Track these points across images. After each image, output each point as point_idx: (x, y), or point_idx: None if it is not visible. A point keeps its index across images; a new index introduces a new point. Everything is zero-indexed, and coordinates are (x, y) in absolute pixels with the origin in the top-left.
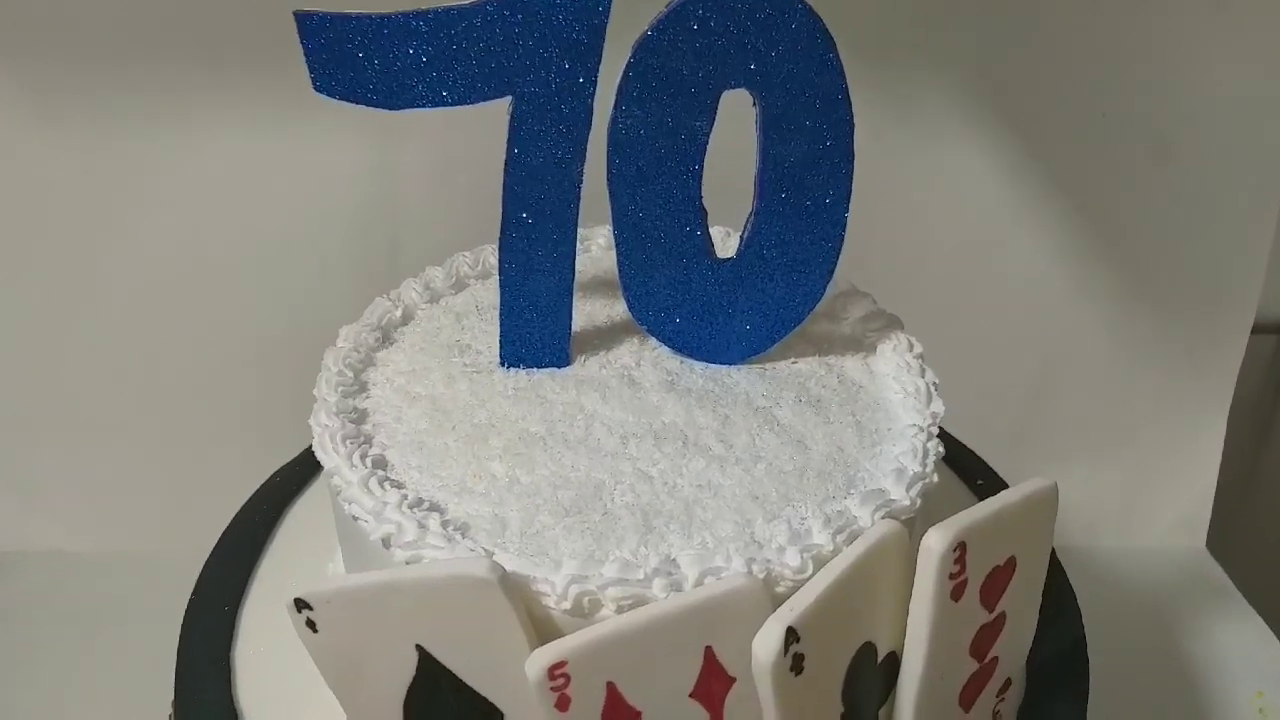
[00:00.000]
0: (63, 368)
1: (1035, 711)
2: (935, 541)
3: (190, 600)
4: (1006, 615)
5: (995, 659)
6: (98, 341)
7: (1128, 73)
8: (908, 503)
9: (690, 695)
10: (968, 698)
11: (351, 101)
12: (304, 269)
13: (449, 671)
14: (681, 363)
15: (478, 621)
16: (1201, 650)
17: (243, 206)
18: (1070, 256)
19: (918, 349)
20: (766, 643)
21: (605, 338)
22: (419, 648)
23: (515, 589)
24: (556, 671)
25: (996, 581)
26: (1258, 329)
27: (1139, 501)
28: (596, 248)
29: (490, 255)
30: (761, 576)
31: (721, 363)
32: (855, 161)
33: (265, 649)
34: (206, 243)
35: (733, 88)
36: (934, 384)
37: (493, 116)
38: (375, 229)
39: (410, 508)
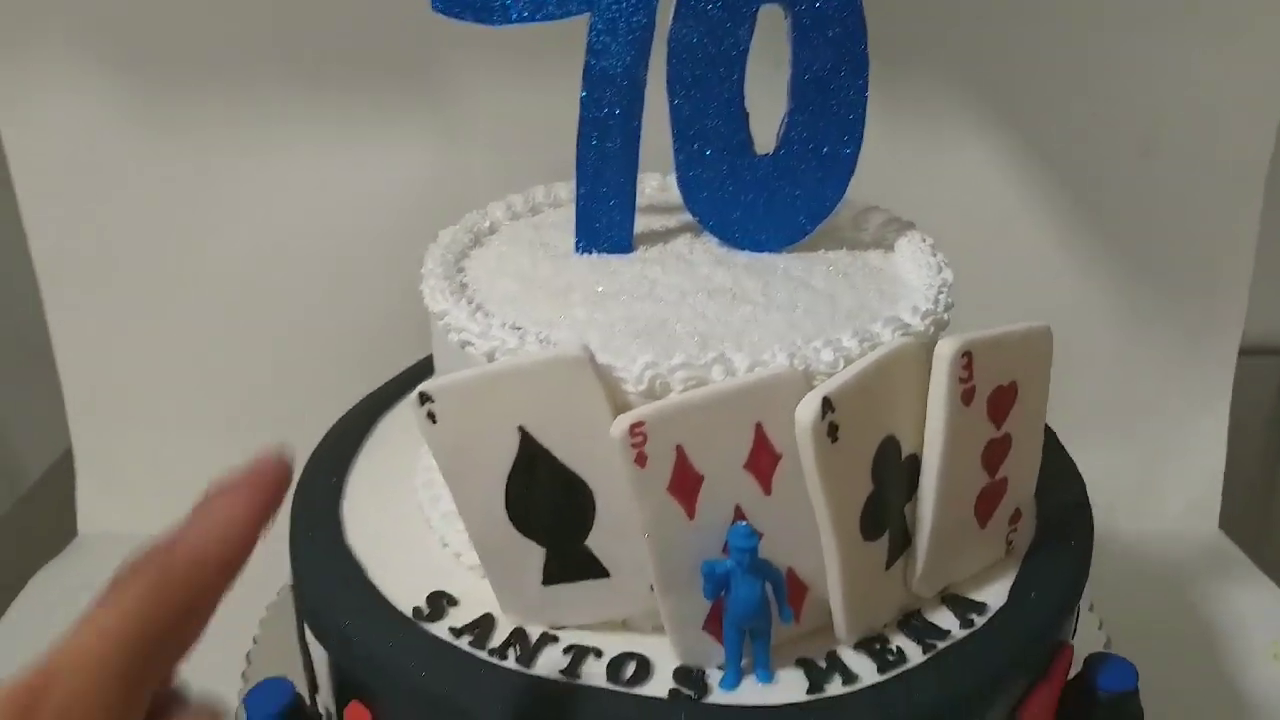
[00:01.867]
0: (147, 358)
1: (1044, 549)
2: (946, 347)
3: (300, 478)
4: (1012, 438)
5: (1005, 480)
6: (182, 334)
7: (1117, 69)
8: (922, 329)
9: (744, 466)
10: (983, 510)
11: (461, 19)
12: (378, 267)
13: (546, 451)
14: (728, 250)
15: (570, 400)
16: (1219, 614)
17: (323, 209)
18: (1072, 246)
19: (929, 240)
20: (808, 407)
21: (662, 234)
22: (520, 429)
23: (602, 374)
24: (636, 430)
25: (1001, 400)
26: (1256, 322)
27: (1149, 486)
28: (650, 188)
29: (560, 189)
30: (801, 368)
31: (763, 250)
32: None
33: (368, 509)
34: (289, 243)
35: (767, 3)
36: (944, 262)
37: (557, 124)
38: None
39: (510, 328)
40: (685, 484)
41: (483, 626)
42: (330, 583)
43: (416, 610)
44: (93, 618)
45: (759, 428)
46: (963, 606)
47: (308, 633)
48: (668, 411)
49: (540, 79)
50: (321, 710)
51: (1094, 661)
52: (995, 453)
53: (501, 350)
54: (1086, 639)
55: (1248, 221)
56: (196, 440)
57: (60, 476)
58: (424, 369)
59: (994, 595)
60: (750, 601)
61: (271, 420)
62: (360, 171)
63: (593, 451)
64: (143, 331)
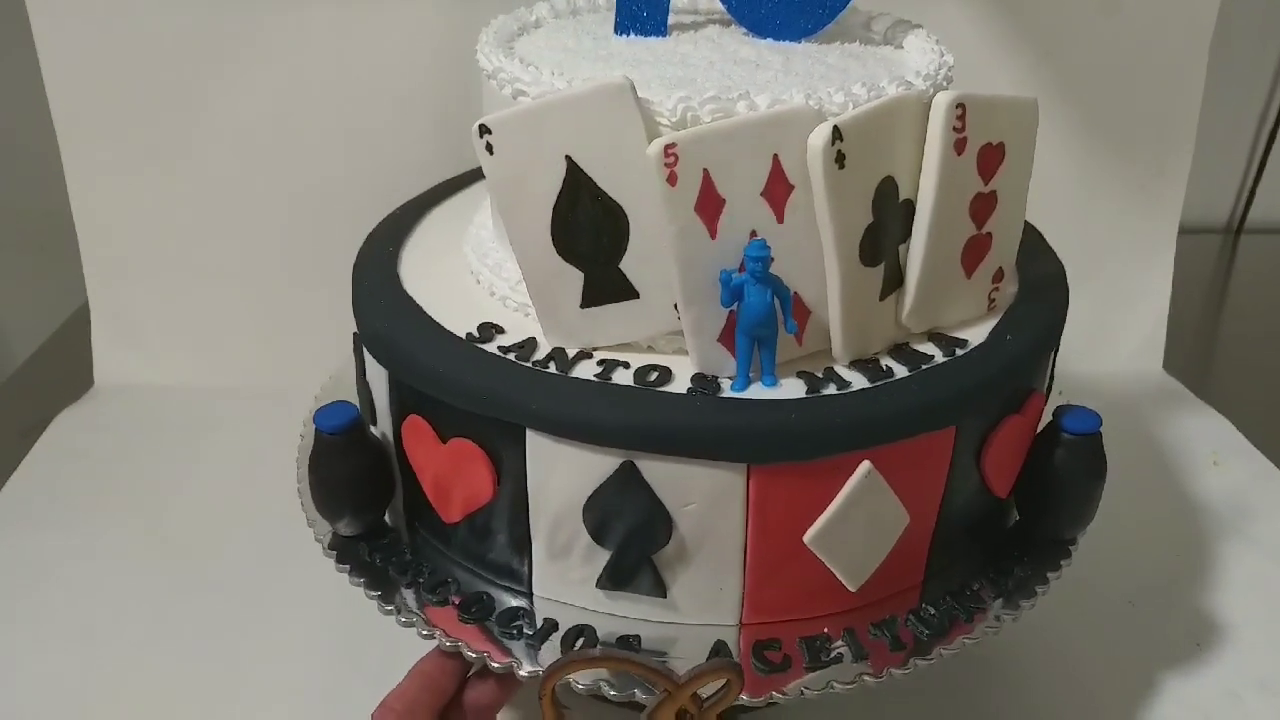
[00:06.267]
0: (162, 213)
1: (1022, 307)
2: (943, 98)
3: (360, 250)
4: (998, 197)
5: (990, 237)
6: (198, 189)
7: None
8: (924, 88)
9: (761, 194)
10: (969, 260)
11: None
12: (397, 119)
13: (589, 179)
14: (754, 38)
15: (612, 129)
16: (1165, 434)
17: (341, 62)
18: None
19: (934, 36)
20: (820, 133)
21: (694, 24)
22: (568, 158)
23: (641, 106)
24: (669, 151)
25: (990, 157)
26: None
27: (1100, 329)
28: None
29: None
30: (816, 107)
31: (785, 38)
32: None
33: (423, 268)
34: (307, 95)
35: None
36: (946, 50)
37: None
38: (457, 91)
39: (558, 75)
40: (710, 205)
41: (526, 347)
42: (393, 316)
43: (469, 335)
44: None
45: (776, 159)
46: (946, 342)
47: (368, 368)
48: (697, 136)
49: None
50: (379, 435)
51: (1061, 410)
52: (982, 207)
53: (549, 87)
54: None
55: (1195, 76)
56: (209, 293)
57: (78, 329)
58: (466, 180)
59: (975, 335)
60: (760, 309)
61: (284, 275)
62: (380, 21)
63: (630, 179)
64: (158, 186)
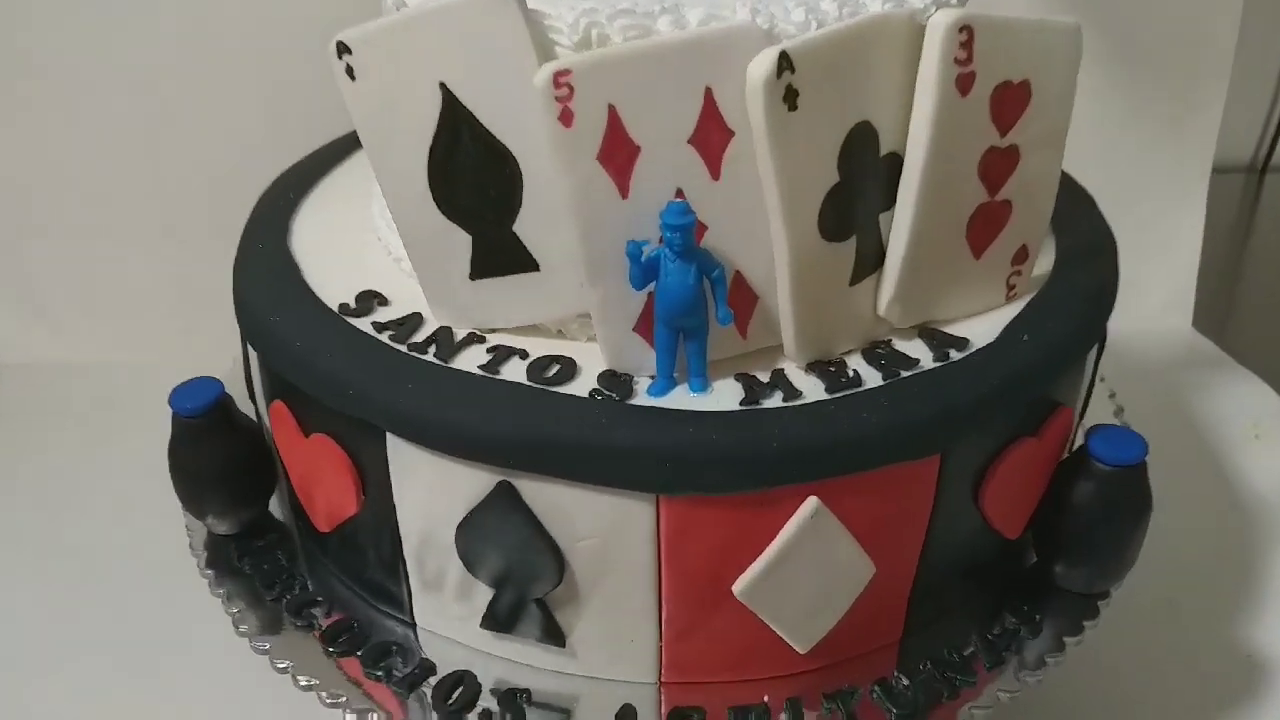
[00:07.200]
0: (66, 170)
1: (1051, 295)
2: (942, 18)
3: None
4: (1020, 153)
5: (1009, 206)
6: (104, 143)
7: None
8: (921, 5)
9: (689, 141)
10: (976, 237)
11: None
12: (320, 70)
13: (469, 114)
14: None
15: (494, 52)
16: (1200, 402)
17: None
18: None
19: None
20: (762, 62)
21: None
22: (443, 87)
23: (532, 22)
24: (561, 79)
25: (1009, 101)
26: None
27: (1127, 282)
28: None
29: None
30: (766, 26)
31: None
32: None
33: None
34: (219, 43)
35: None
36: None
37: None
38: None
39: None
40: (618, 154)
41: (408, 324)
42: (261, 279)
43: (343, 306)
44: None
45: (709, 94)
46: (940, 340)
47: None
48: (599, 61)
49: None
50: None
51: (1094, 431)
52: (997, 165)
53: (425, 3)
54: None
55: (1230, 16)
56: (118, 259)
57: None
58: None
59: (982, 334)
60: (679, 291)
61: (202, 238)
62: None
63: (520, 117)
64: (60, 139)
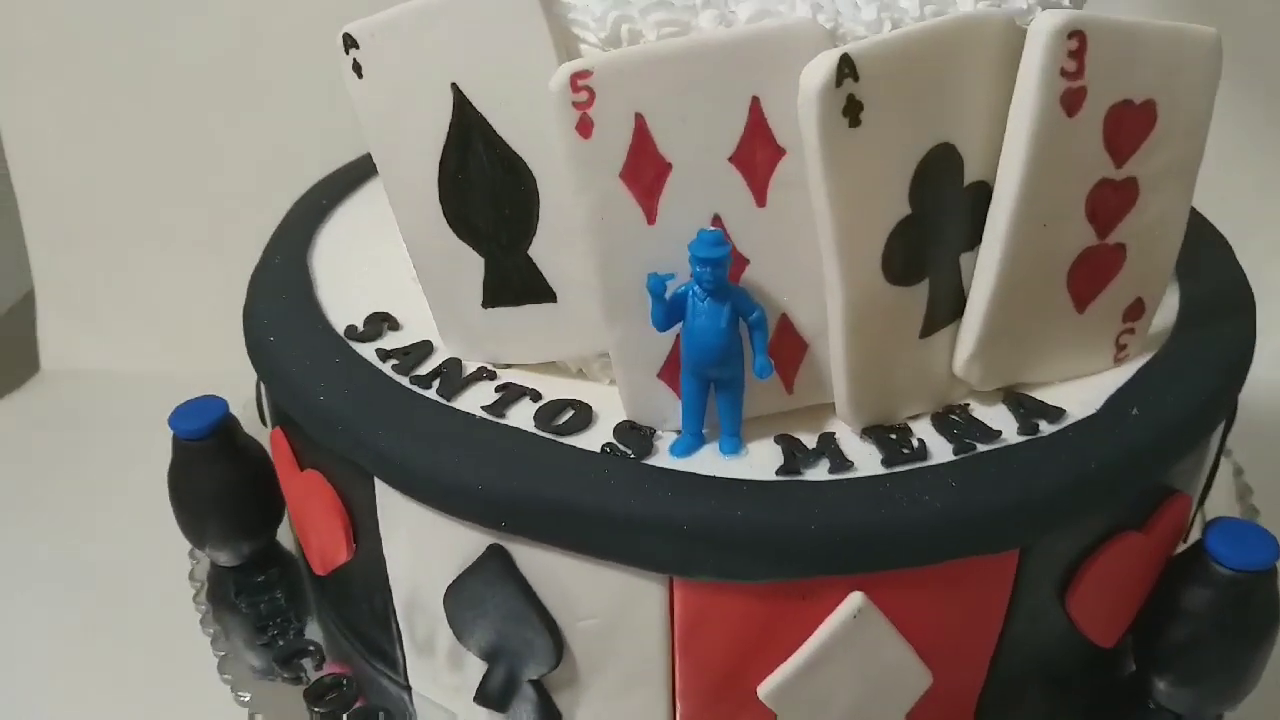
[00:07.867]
0: (114, 178)
1: (1170, 360)
2: (1047, 19)
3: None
4: (1140, 188)
5: (1123, 250)
6: (154, 149)
7: None
8: (1024, 5)
9: (730, 159)
10: (1081, 286)
11: None
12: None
13: (482, 120)
14: None
15: (512, 52)
16: None
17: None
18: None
19: None
20: (819, 69)
21: None
22: (455, 88)
23: (553, 15)
24: (580, 82)
25: (1128, 124)
26: None
27: (1263, 334)
28: None
29: None
30: (829, 26)
31: None
32: None
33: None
34: (272, 41)
35: None
36: None
37: None
38: None
39: None
40: (645, 172)
41: (414, 353)
42: (269, 293)
43: (349, 329)
44: None
45: (756, 105)
46: (1029, 409)
47: None
48: (625, 62)
49: None
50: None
51: (1215, 525)
52: (1110, 202)
53: None
54: (1221, 505)
55: None
56: (168, 268)
57: (24, 314)
58: None
59: (1081, 404)
60: (710, 337)
61: (253, 245)
62: None
63: (537, 124)
64: (109, 146)
